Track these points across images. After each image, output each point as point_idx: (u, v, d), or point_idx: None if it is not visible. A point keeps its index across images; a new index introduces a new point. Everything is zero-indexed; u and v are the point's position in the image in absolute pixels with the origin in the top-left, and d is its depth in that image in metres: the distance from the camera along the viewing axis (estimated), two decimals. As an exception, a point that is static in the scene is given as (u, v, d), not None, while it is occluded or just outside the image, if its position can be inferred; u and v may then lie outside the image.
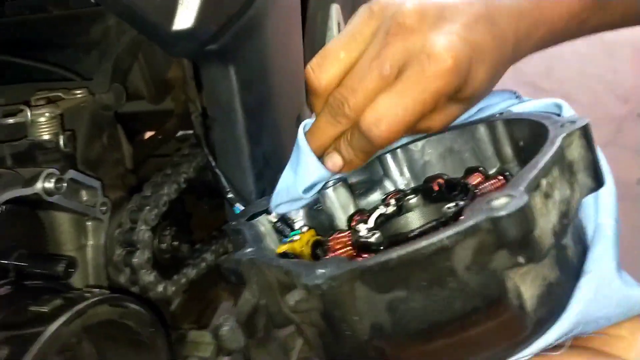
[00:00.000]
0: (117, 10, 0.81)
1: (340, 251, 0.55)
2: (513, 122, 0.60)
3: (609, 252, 0.49)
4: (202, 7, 0.85)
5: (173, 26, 0.84)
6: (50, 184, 0.79)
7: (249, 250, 0.54)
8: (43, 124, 0.85)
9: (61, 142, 0.86)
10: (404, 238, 0.48)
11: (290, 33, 1.19)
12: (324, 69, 0.55)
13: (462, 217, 0.42)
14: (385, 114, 0.51)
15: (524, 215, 0.40)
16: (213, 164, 1.01)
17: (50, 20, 1.09)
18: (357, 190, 0.66)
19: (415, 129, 0.57)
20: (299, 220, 0.66)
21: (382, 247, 0.50)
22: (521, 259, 0.41)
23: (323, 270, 0.43)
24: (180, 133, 1.29)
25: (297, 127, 0.64)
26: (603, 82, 3.76)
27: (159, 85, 1.16)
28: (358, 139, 0.55)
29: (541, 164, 0.44)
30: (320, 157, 0.59)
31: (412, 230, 0.50)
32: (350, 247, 0.55)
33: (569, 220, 0.46)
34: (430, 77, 0.50)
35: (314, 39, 1.57)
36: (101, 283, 0.94)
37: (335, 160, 0.58)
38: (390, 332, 0.44)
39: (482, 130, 0.63)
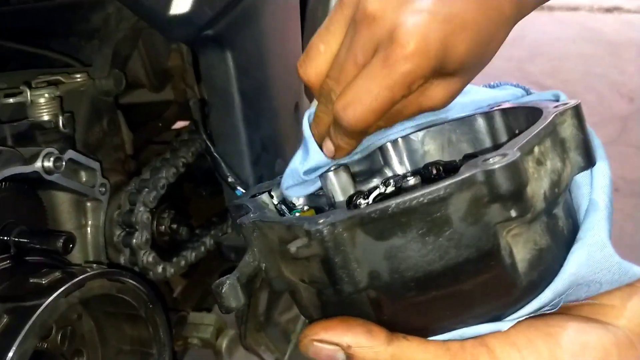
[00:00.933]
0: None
1: None
2: (510, 112, 0.62)
3: (601, 222, 0.51)
4: (199, -8, 0.87)
5: (170, 10, 0.86)
6: (49, 163, 0.81)
7: (252, 215, 0.56)
8: (42, 105, 0.87)
9: (60, 123, 0.88)
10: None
11: (288, 22, 1.21)
12: (308, 64, 0.57)
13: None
14: (353, 100, 0.53)
15: (516, 169, 0.42)
16: (212, 149, 1.02)
17: (53, 9, 1.12)
18: (358, 178, 0.68)
19: (420, 109, 0.58)
20: (300, 204, 0.68)
21: None
22: (513, 213, 0.43)
23: (325, 218, 0.45)
24: (179, 124, 1.31)
25: (295, 114, 0.67)
26: (608, 82, 3.76)
27: (159, 74, 1.18)
28: (336, 125, 0.57)
29: (534, 132, 0.47)
30: (321, 143, 0.62)
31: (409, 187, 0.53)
32: None
33: (560, 191, 0.49)
34: (394, 63, 0.50)
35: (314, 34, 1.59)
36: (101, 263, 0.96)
37: (328, 146, 0.60)
38: (387, 281, 0.45)
39: (480, 121, 0.65)
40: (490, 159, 0.43)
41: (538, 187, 0.46)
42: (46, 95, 0.88)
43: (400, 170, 0.69)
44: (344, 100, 0.53)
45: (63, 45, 1.09)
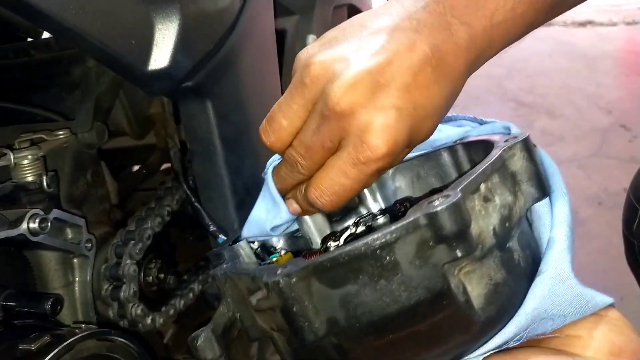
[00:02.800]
0: (93, 53, 0.84)
1: None
2: (471, 145, 0.65)
3: (562, 254, 0.52)
4: (177, 46, 0.88)
5: (149, 67, 0.87)
6: (34, 225, 0.82)
7: (224, 266, 0.57)
8: (26, 166, 0.88)
9: (44, 183, 0.89)
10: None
11: (265, 64, 1.22)
12: (270, 134, 0.59)
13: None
14: (326, 190, 0.55)
15: (458, 210, 0.44)
16: (192, 199, 1.03)
17: (33, 64, 1.13)
18: (334, 217, 0.70)
19: (380, 175, 0.59)
20: (280, 246, 0.69)
21: None
22: (459, 253, 0.45)
23: (281, 269, 0.47)
24: (164, 166, 1.32)
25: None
26: (586, 95, 3.81)
27: (141, 121, 1.20)
28: (306, 199, 0.59)
29: (479, 170, 0.49)
30: (284, 196, 0.64)
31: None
32: None
33: (512, 225, 0.50)
34: (365, 163, 0.53)
35: (293, 69, 1.61)
36: (90, 318, 0.96)
37: (294, 206, 0.63)
38: (345, 327, 0.47)
39: (445, 155, 0.68)
40: (435, 201, 0.45)
41: (486, 223, 0.47)
42: (29, 156, 0.88)
43: (374, 206, 0.71)
44: (318, 190, 0.56)
45: (44, 99, 1.10)
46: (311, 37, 1.64)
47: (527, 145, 0.53)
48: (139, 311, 0.98)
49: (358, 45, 0.54)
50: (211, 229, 0.99)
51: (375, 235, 0.44)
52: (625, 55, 4.39)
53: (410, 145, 0.56)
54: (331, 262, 0.45)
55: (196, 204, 1.01)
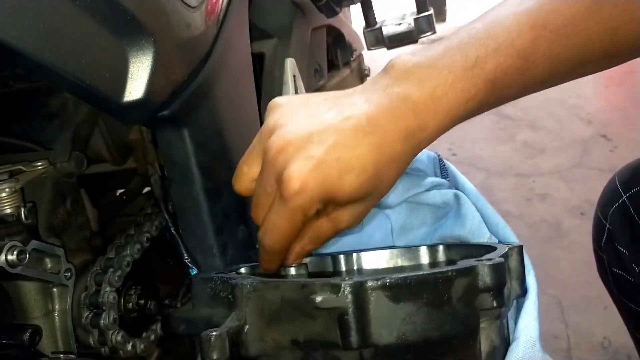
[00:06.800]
0: (68, 88, 0.86)
1: None
2: (452, 247, 0.76)
3: (532, 322, 0.64)
4: (151, 78, 0.90)
5: (124, 98, 0.89)
6: (12, 256, 0.83)
7: (249, 279, 0.60)
8: (4, 199, 0.89)
9: (22, 215, 0.90)
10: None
11: (242, 89, 1.25)
12: (237, 181, 0.70)
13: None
14: (266, 229, 0.65)
15: (501, 269, 0.55)
16: (171, 226, 1.05)
17: (12, 95, 1.14)
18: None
19: (336, 229, 0.67)
20: None
21: None
22: (495, 303, 0.55)
23: (349, 279, 0.53)
24: (146, 190, 1.33)
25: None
26: (566, 106, 3.86)
27: (121, 148, 1.21)
28: (260, 245, 0.68)
29: (502, 251, 0.61)
30: None
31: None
32: None
33: (510, 303, 0.62)
34: (285, 199, 0.60)
35: (272, 94, 1.63)
36: (70, 347, 0.97)
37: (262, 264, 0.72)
38: (391, 341, 0.53)
39: (423, 250, 0.77)
40: (483, 259, 0.55)
41: (507, 289, 0.58)
42: (7, 189, 0.89)
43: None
44: (263, 228, 0.65)
45: (23, 129, 1.11)
46: (289, 61, 1.66)
47: (521, 252, 0.65)
48: (119, 338, 0.99)
49: (313, 112, 0.64)
50: (185, 259, 1.01)
51: (440, 269, 0.54)
52: (604, 66, 4.45)
53: (333, 197, 0.61)
54: (401, 280, 0.52)
55: (173, 231, 1.03)
